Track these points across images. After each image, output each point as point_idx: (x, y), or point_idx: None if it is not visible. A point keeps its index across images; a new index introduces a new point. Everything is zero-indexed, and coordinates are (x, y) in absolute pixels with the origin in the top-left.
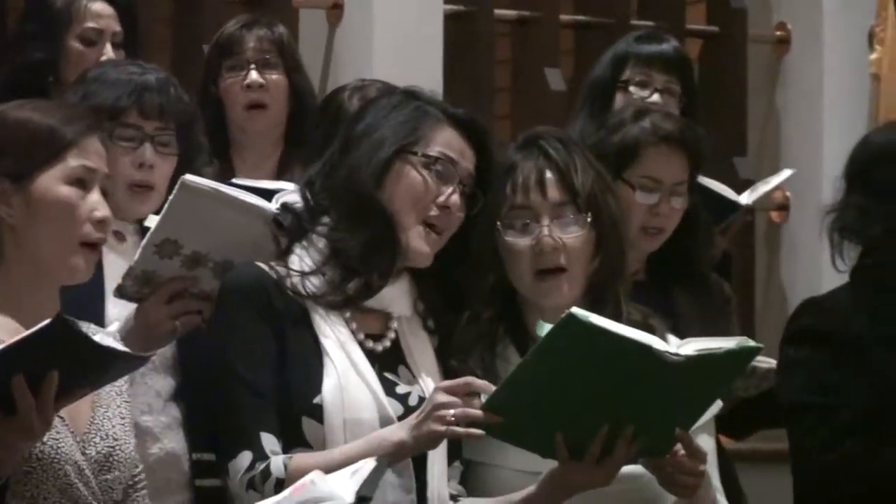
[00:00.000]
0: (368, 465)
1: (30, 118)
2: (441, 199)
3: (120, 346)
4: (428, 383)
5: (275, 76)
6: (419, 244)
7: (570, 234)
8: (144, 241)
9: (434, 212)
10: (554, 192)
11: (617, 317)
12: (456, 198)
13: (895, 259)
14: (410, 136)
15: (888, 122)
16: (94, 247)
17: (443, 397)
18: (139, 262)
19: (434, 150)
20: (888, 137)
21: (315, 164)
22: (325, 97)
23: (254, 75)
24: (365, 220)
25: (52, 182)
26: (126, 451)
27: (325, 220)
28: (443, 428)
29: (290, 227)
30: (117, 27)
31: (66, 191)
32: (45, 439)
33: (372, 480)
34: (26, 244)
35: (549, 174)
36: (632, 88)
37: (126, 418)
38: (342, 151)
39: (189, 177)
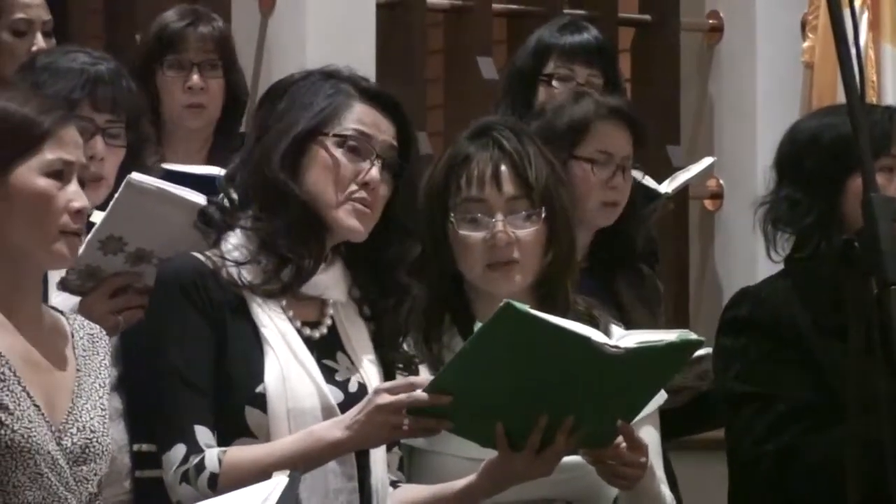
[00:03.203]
0: (279, 488)
1: (5, 108)
2: (360, 176)
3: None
4: (366, 369)
5: (215, 78)
6: (349, 221)
7: (524, 230)
8: (89, 236)
9: (356, 190)
10: (509, 187)
11: (565, 309)
12: (375, 172)
13: (827, 249)
14: (321, 117)
15: (816, 111)
16: (75, 235)
17: (384, 398)
18: (83, 258)
19: (347, 128)
20: (816, 126)
21: (235, 157)
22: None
23: (195, 78)
24: (282, 207)
25: (30, 174)
26: (103, 444)
27: (249, 211)
28: (391, 432)
29: (215, 222)
30: (47, 16)
31: (44, 182)
32: (15, 427)
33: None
34: (5, 235)
35: (503, 168)
36: (554, 83)
37: (106, 410)
38: (256, 140)
39: (135, 175)
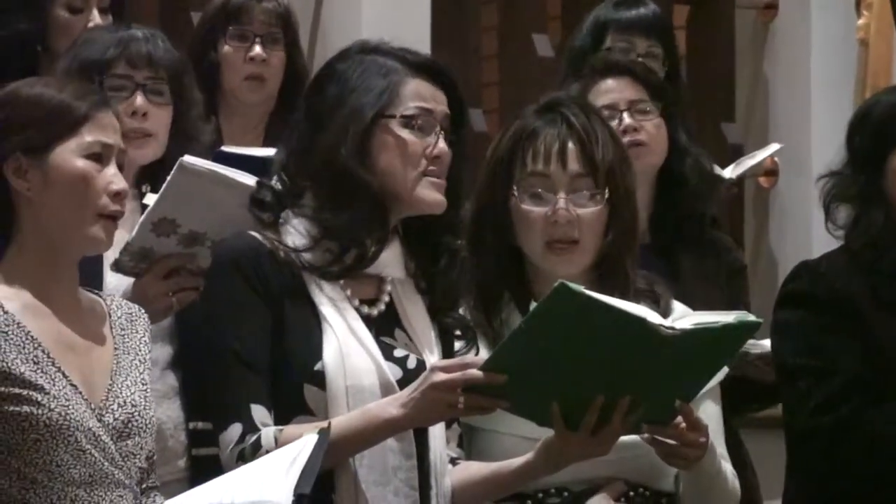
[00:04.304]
0: (308, 445)
1: (42, 93)
2: (429, 150)
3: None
4: (425, 345)
5: (277, 52)
6: (432, 196)
7: (586, 209)
8: (142, 218)
9: (427, 165)
10: (574, 164)
11: (625, 289)
12: (443, 144)
13: (876, 226)
14: (382, 100)
15: (888, 88)
16: (112, 218)
17: (439, 377)
18: (136, 240)
19: (409, 107)
20: (873, 102)
21: (287, 143)
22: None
23: (258, 49)
24: (350, 198)
25: (69, 155)
26: (146, 417)
27: (306, 200)
28: (446, 411)
29: (269, 205)
30: None
31: (83, 164)
32: (52, 406)
33: (310, 469)
34: (44, 217)
35: (570, 145)
36: (608, 54)
37: (147, 386)
38: (314, 129)
39: (187, 158)
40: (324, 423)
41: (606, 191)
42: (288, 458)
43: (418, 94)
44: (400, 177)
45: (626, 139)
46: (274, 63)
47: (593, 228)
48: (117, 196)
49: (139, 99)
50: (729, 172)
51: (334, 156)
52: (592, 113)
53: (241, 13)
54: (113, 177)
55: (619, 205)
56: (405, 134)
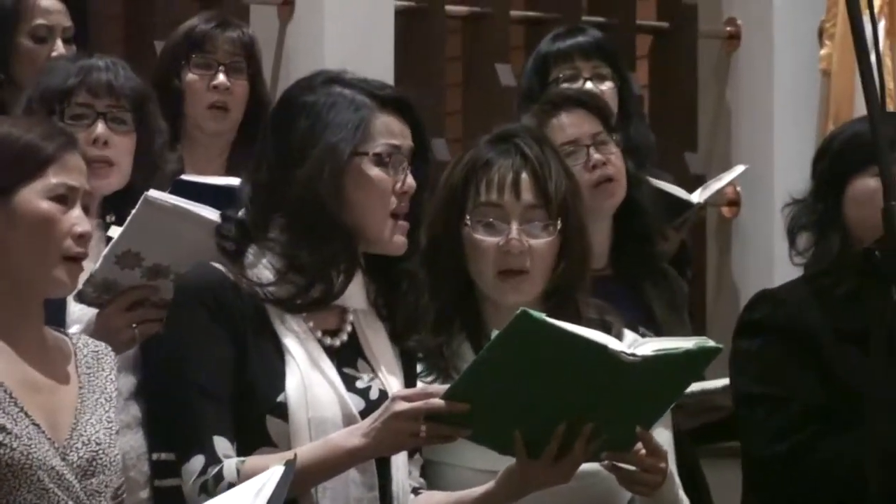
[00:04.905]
0: (274, 477)
1: (8, 133)
2: (398, 186)
3: None
4: (387, 375)
5: (240, 81)
6: (396, 238)
7: (539, 240)
8: (106, 251)
9: (396, 202)
10: (528, 195)
11: (576, 318)
12: (410, 180)
13: (847, 257)
14: (357, 137)
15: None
16: (75, 260)
17: (401, 406)
18: (100, 272)
19: (380, 144)
20: (837, 130)
21: (253, 174)
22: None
23: (222, 77)
24: (324, 234)
25: (34, 196)
26: (111, 455)
27: (273, 233)
28: (408, 440)
29: (234, 238)
30: (68, 22)
31: (47, 206)
32: (14, 446)
33: (275, 501)
34: (8, 258)
35: (524, 175)
36: (563, 86)
37: (113, 423)
38: (286, 163)
39: (152, 192)
40: (290, 454)
41: (559, 222)
42: (254, 489)
43: (388, 131)
44: (370, 214)
45: (596, 174)
46: (237, 92)
47: (544, 259)
48: (81, 238)
49: (100, 127)
50: (697, 197)
51: (311, 192)
52: (546, 144)
53: (205, 41)
54: (77, 219)
55: (571, 236)
56: (375, 172)
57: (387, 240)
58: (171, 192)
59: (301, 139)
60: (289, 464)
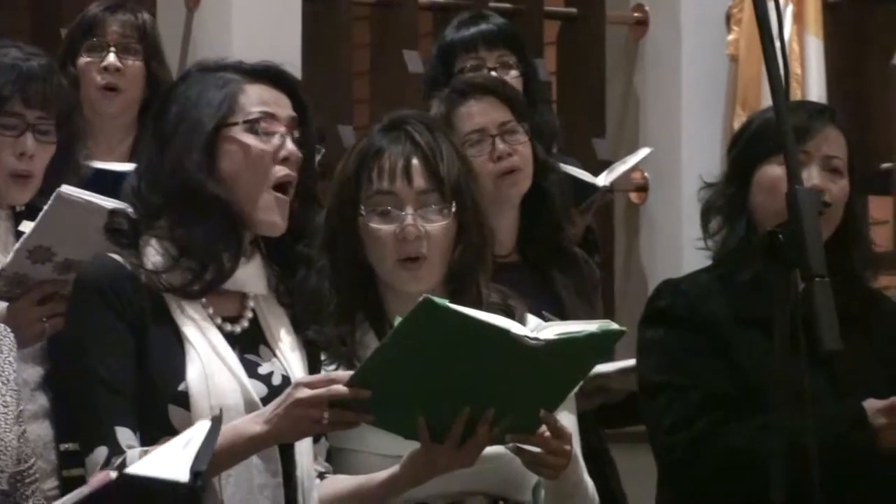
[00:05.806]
0: (201, 432)
1: None
2: (280, 153)
3: None
4: (290, 361)
5: (133, 62)
6: (270, 216)
7: (434, 224)
8: (17, 245)
9: (277, 170)
10: (420, 180)
11: (478, 303)
12: (290, 145)
13: (751, 242)
14: (222, 110)
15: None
16: None
17: (303, 392)
18: (11, 266)
19: (252, 112)
20: (752, 117)
21: (138, 166)
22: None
23: (111, 58)
24: (201, 213)
25: None
26: (6, 440)
27: (161, 220)
28: (311, 427)
29: (125, 232)
30: None
31: None
32: None
33: (206, 450)
34: None
35: (415, 161)
36: (469, 76)
37: (9, 408)
38: (159, 149)
39: (65, 188)
40: (216, 412)
41: (454, 204)
42: (181, 442)
43: (260, 100)
44: (245, 185)
45: (501, 165)
46: (130, 73)
47: (441, 244)
48: None
49: (30, 141)
50: (602, 180)
51: (180, 170)
52: (437, 129)
53: (96, 25)
54: None
55: (468, 219)
56: (250, 140)
57: (263, 218)
58: (90, 181)
59: (172, 124)
60: (215, 419)
